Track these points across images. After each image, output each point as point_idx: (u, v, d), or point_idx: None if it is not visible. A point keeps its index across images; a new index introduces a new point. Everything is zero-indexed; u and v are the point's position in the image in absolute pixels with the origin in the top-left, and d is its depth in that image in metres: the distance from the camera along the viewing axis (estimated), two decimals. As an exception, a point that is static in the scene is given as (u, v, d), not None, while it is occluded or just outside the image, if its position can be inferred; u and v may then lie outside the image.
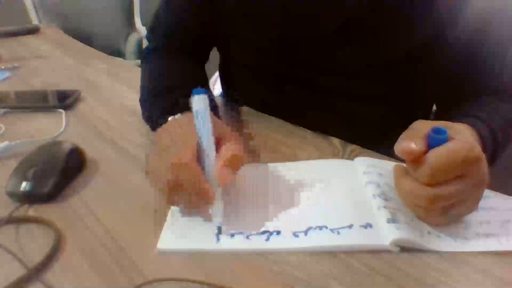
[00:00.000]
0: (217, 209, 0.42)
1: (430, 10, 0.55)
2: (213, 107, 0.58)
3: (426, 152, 0.37)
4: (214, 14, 0.68)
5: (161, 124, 0.50)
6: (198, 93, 0.44)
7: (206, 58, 0.77)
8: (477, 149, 0.37)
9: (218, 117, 0.59)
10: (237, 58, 0.74)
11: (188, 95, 0.45)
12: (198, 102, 0.43)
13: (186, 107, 0.48)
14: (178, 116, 0.50)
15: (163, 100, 0.58)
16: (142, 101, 0.65)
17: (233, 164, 0.42)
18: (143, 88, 0.66)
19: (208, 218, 0.42)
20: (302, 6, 0.60)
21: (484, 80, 0.58)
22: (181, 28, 0.71)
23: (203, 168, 0.42)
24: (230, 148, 0.43)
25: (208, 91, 0.61)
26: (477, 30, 0.56)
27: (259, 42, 0.66)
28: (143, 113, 0.64)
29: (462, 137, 0.39)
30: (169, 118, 0.51)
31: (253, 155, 0.56)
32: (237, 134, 0.47)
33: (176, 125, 0.48)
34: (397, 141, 0.39)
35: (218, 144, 0.44)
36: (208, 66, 0.76)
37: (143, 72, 0.70)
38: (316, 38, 0.61)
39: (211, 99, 0.63)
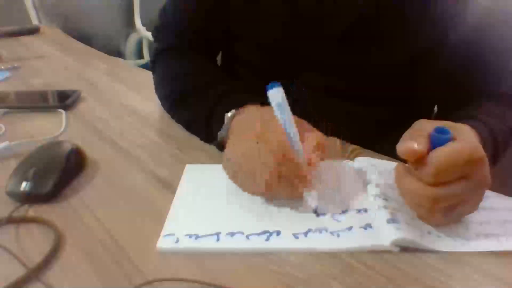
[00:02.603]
0: (314, 192, 0.45)
1: (433, 14, 0.55)
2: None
3: (428, 152, 0.37)
4: (222, 12, 0.67)
5: (213, 122, 0.52)
6: (274, 87, 0.43)
7: (216, 55, 0.76)
8: (481, 150, 0.37)
9: None
10: (241, 57, 0.74)
11: (228, 93, 0.48)
12: (277, 94, 0.43)
13: (235, 104, 0.50)
14: (232, 111, 0.52)
15: (202, 101, 0.58)
16: (172, 103, 0.65)
17: (320, 150, 0.45)
18: (165, 89, 0.66)
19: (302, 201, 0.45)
20: (310, 7, 0.60)
21: (486, 83, 0.58)
22: (191, 26, 0.70)
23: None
24: (315, 135, 0.46)
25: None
26: (479, 34, 0.56)
27: (264, 41, 0.66)
28: (177, 115, 0.64)
29: (466, 138, 0.39)
30: (241, 112, 0.51)
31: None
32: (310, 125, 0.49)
33: (260, 120, 0.48)
34: (400, 141, 0.39)
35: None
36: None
37: (161, 74, 0.69)
38: (321, 40, 0.61)
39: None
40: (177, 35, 0.71)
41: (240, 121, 0.51)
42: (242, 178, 0.45)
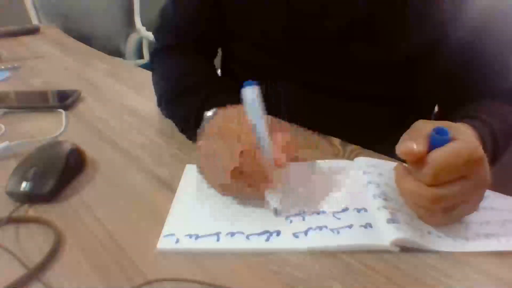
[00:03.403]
0: (274, 193, 0.44)
1: (433, 12, 0.55)
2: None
3: (428, 152, 0.37)
4: (220, 11, 0.68)
5: (199, 121, 0.51)
6: (249, 85, 0.44)
7: (214, 54, 0.77)
8: (480, 150, 0.37)
9: None
10: (239, 56, 0.74)
11: (216, 93, 0.45)
12: (251, 93, 0.44)
13: (222, 102, 0.50)
14: (213, 110, 0.51)
15: (191, 100, 0.59)
16: (165, 101, 0.65)
17: (288, 151, 0.45)
18: (161, 88, 0.67)
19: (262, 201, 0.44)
20: (307, 6, 0.60)
21: (486, 82, 0.58)
22: (189, 26, 0.71)
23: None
24: (284, 136, 0.46)
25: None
26: (479, 32, 0.56)
27: (262, 40, 0.66)
28: (168, 113, 0.65)
29: (465, 138, 0.39)
30: (207, 113, 0.51)
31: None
32: (285, 124, 0.49)
33: (229, 117, 0.48)
34: (399, 141, 0.39)
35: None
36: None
37: (157, 73, 0.70)
38: (319, 38, 0.61)
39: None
40: (174, 35, 0.72)
41: (213, 119, 0.51)
42: (206, 173, 0.46)
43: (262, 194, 0.44)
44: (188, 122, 0.59)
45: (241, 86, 0.44)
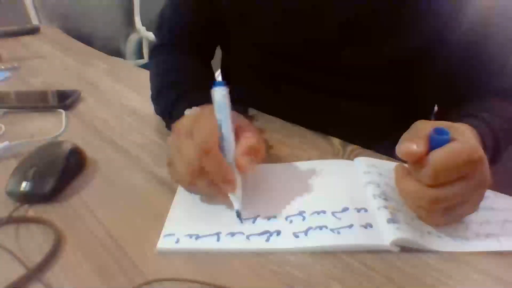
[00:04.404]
0: (237, 195, 0.43)
1: (432, 11, 0.55)
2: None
3: (427, 153, 0.37)
4: (215, 12, 0.68)
5: (173, 116, 0.51)
6: (218, 85, 0.44)
7: (211, 55, 0.77)
8: (480, 150, 0.37)
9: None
10: (239, 57, 0.75)
11: (193, 90, 0.46)
12: (220, 94, 0.44)
13: (194, 102, 0.50)
14: (194, 108, 0.52)
15: (168, 96, 0.60)
16: (152, 96, 0.67)
17: (253, 154, 0.44)
18: (151, 84, 0.68)
19: (227, 203, 0.44)
20: (304, 5, 0.60)
21: (486, 80, 0.58)
22: (183, 26, 0.72)
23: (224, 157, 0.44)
24: (250, 139, 0.45)
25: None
26: (479, 31, 0.56)
27: (260, 41, 0.67)
28: (155, 109, 0.66)
29: (465, 138, 0.39)
30: (185, 111, 0.51)
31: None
32: (255, 127, 0.48)
33: (197, 115, 0.49)
34: (399, 142, 0.39)
35: (236, 135, 0.45)
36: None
37: (151, 69, 0.72)
38: (317, 38, 0.61)
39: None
40: (169, 34, 0.74)
41: (184, 116, 0.50)
42: (170, 170, 0.47)
43: (223, 195, 0.44)
44: (165, 117, 0.61)
45: (211, 87, 0.44)
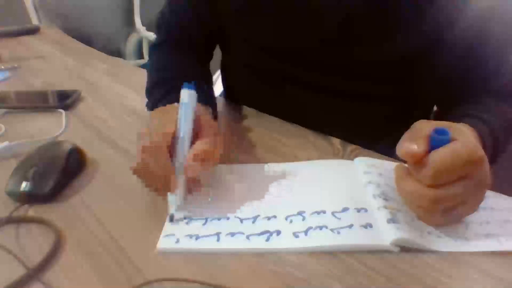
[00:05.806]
0: (175, 197, 0.43)
1: (431, 11, 0.55)
2: (213, 104, 0.60)
3: (428, 153, 0.37)
4: (214, 12, 0.68)
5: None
6: (187, 87, 0.46)
7: (210, 55, 0.77)
8: (480, 150, 0.37)
9: (216, 115, 0.60)
10: (238, 57, 0.75)
11: (179, 88, 0.47)
12: (185, 94, 0.46)
13: (176, 99, 0.50)
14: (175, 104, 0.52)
15: (157, 92, 0.61)
16: (146, 93, 0.67)
17: (204, 159, 0.44)
18: (146, 82, 0.69)
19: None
20: (303, 5, 0.60)
21: (485, 81, 0.58)
22: (181, 25, 0.72)
23: (175, 157, 0.44)
24: (205, 144, 0.45)
25: (208, 87, 0.63)
26: (478, 31, 0.56)
27: (259, 41, 0.67)
28: (146, 104, 0.66)
29: (465, 138, 0.39)
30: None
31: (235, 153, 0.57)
32: (218, 131, 0.48)
33: (160, 112, 0.50)
34: (399, 142, 0.39)
35: (197, 138, 0.46)
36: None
37: (148, 66, 0.73)
38: (317, 37, 0.61)
39: (211, 95, 0.64)
40: (170, 33, 0.74)
41: (148, 120, 0.51)
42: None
43: (164, 195, 0.44)
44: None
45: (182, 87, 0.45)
